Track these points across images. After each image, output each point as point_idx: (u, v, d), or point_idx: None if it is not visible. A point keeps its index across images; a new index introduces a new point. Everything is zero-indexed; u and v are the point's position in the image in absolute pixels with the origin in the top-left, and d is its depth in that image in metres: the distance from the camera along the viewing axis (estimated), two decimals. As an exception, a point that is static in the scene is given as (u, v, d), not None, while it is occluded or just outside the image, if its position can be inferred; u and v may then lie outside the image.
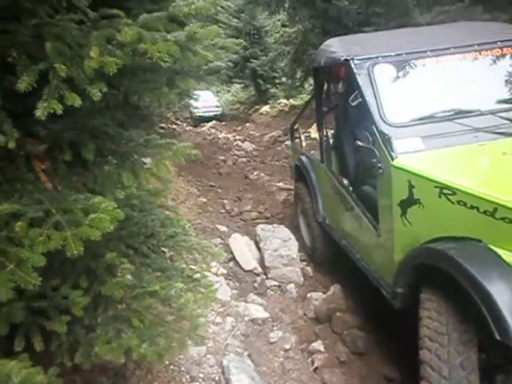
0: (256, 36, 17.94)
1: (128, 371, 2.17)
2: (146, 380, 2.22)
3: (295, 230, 4.57)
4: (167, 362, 2.31)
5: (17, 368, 1.09)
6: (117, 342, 1.46)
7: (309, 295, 3.61)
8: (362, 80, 2.64)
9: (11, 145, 1.25)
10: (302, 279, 3.89)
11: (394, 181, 2.34)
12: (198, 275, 1.90)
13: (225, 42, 1.96)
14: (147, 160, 1.82)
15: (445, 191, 2.01)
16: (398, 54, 2.74)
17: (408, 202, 2.26)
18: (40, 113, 1.14)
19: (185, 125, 13.66)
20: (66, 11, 1.59)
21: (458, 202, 1.96)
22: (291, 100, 14.99)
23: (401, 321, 2.60)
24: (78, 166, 1.52)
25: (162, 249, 1.93)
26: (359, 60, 2.71)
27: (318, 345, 2.99)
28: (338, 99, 3.82)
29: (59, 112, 1.15)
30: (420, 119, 2.51)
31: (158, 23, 1.29)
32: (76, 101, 1.18)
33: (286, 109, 14.29)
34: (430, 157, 2.30)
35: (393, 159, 2.33)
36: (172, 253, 2.09)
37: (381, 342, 3.00)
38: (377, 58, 2.71)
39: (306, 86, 13.67)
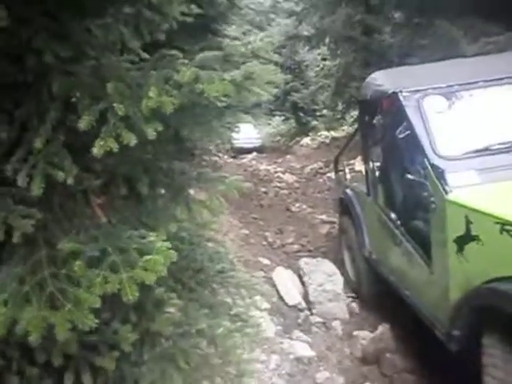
0: (297, 70, 18.26)
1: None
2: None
3: (339, 264, 4.45)
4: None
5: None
6: (161, 384, 1.43)
7: (355, 333, 3.46)
8: (411, 112, 2.59)
9: (69, 181, 1.29)
10: (347, 316, 3.76)
11: (449, 216, 2.24)
12: (245, 314, 1.85)
13: (275, 76, 1.98)
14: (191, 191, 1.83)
15: (507, 227, 1.90)
16: (448, 86, 2.68)
17: (465, 239, 2.15)
18: (97, 150, 1.18)
19: (226, 157, 13.88)
20: (120, 53, 1.67)
21: (523, 239, 1.84)
22: (332, 132, 14.97)
23: (456, 365, 2.43)
24: (132, 199, 1.55)
25: (211, 284, 1.90)
26: (408, 92, 2.67)
27: (366, 388, 2.85)
28: (385, 132, 3.76)
29: (115, 150, 1.18)
30: (474, 152, 2.42)
31: (214, 62, 1.31)
32: (132, 139, 1.20)
33: (327, 141, 14.26)
34: (488, 191, 2.19)
35: (447, 193, 2.24)
36: (216, 286, 2.06)
37: (434, 388, 2.80)
38: (426, 90, 2.67)
39: (347, 118, 13.64)
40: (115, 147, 1.22)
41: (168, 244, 1.21)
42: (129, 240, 1.23)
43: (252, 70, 1.27)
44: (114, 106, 1.24)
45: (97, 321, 1.14)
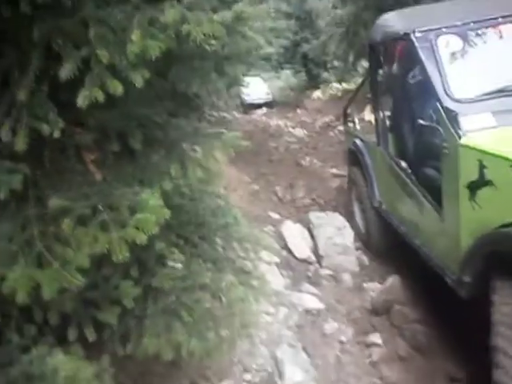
0: (306, 20, 17.53)
1: (183, 360, 2.15)
2: (199, 369, 2.20)
3: (349, 216, 4.41)
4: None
5: (64, 362, 1.07)
6: (166, 337, 1.43)
7: (365, 285, 3.46)
8: (424, 54, 2.44)
9: (56, 134, 1.23)
10: (357, 268, 3.75)
11: (462, 161, 2.14)
12: (249, 267, 1.83)
13: (274, 23, 1.85)
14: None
15: None
16: (464, 24, 2.50)
17: (478, 184, 2.06)
18: (81, 101, 1.11)
19: (235, 113, 13.66)
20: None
21: (538, 183, 1.75)
22: (344, 84, 14.53)
23: (466, 315, 2.42)
24: (126, 156, 1.49)
25: (214, 238, 1.88)
26: (421, 32, 2.50)
27: (375, 338, 2.85)
28: (396, 76, 3.58)
29: (101, 100, 1.11)
30: (490, 93, 2.28)
31: (204, 3, 1.21)
32: (118, 88, 1.13)
33: (339, 93, 13.89)
34: (504, 134, 2.08)
35: (460, 137, 2.13)
36: (222, 243, 2.04)
37: (444, 338, 2.79)
38: (440, 29, 2.49)
39: (358, 68, 13.17)
40: (101, 97, 1.15)
41: (161, 202, 1.16)
42: (121, 198, 1.19)
43: (242, 9, 1.16)
44: (98, 53, 1.15)
45: (83, 280, 1.11)
